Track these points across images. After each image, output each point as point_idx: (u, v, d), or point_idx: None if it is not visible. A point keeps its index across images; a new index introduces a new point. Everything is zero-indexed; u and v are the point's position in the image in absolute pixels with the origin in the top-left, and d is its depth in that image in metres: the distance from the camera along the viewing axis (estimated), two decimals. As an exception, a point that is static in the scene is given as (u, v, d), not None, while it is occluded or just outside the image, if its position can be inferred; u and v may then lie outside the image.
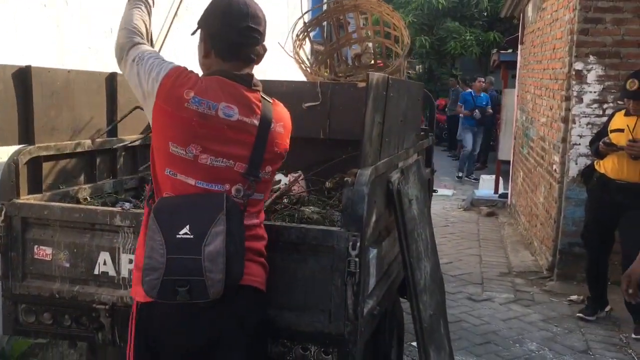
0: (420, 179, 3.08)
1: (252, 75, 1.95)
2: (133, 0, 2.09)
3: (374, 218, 2.34)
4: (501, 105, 9.75)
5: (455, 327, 4.30)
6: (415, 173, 2.99)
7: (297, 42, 3.98)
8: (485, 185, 9.47)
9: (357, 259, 2.10)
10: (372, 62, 4.33)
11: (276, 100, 2.03)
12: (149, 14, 2.12)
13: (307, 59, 4.22)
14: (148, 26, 2.09)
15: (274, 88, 3.61)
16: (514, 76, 9.52)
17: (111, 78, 3.01)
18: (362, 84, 3.51)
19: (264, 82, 3.61)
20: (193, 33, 2.01)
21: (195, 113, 1.83)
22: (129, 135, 3.11)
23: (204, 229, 1.76)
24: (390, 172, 2.64)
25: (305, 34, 4.12)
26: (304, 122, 3.56)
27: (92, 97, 2.89)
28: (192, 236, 1.76)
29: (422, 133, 4.01)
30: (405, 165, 2.95)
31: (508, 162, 9.06)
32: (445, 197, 9.48)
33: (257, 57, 1.98)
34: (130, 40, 1.98)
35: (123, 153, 3.14)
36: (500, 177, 9.38)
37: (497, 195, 9.15)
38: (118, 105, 3.01)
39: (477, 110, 11.37)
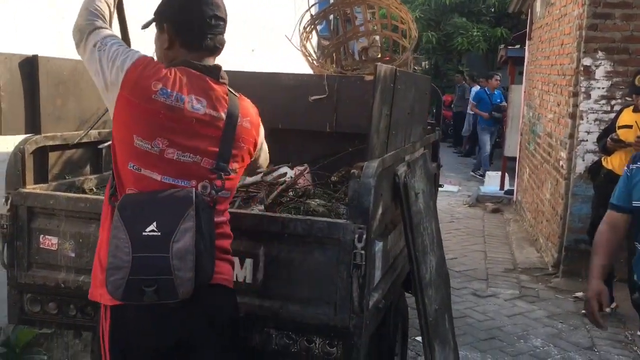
0: (426, 173, 3.06)
1: (220, 68, 1.91)
2: None
3: (380, 211, 2.33)
4: (508, 102, 9.69)
5: (460, 323, 4.29)
6: (421, 167, 2.97)
7: (304, 35, 3.97)
8: (491, 182, 9.44)
9: (363, 252, 2.09)
10: (379, 55, 4.30)
11: (242, 95, 1.98)
12: None
13: (314, 51, 4.20)
14: (112, 9, 1.99)
15: (281, 81, 3.60)
16: (520, 72, 9.46)
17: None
18: (369, 77, 3.49)
19: (270, 74, 3.64)
20: (146, 26, 1.95)
21: (163, 105, 1.76)
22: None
23: (172, 226, 1.68)
24: (397, 165, 2.63)
25: (312, 26, 4.10)
26: (310, 115, 3.55)
27: (99, 88, 2.88)
28: (159, 233, 1.67)
29: (428, 127, 3.99)
30: (412, 158, 2.93)
31: (514, 159, 9.03)
32: (451, 193, 9.45)
33: (221, 47, 1.93)
34: (91, 23, 1.87)
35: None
36: (506, 174, 9.35)
37: (503, 191, 9.12)
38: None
39: (494, 112, 11.18)
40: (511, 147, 9.21)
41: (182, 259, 1.67)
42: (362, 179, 2.16)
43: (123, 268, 1.66)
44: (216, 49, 1.91)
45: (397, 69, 2.52)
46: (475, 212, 8.36)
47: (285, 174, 3.23)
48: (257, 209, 2.61)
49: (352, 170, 2.22)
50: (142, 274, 1.66)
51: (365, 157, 2.27)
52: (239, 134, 1.90)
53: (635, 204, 2.30)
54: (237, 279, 2.17)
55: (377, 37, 4.34)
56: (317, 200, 2.78)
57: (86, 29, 1.87)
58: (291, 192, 2.94)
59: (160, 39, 1.91)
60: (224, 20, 1.91)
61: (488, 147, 11.21)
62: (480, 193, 9.12)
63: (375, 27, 4.33)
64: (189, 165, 1.81)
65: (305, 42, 3.94)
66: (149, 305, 1.72)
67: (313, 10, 4.33)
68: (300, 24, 3.99)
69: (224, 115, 1.86)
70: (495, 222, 7.84)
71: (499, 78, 11.77)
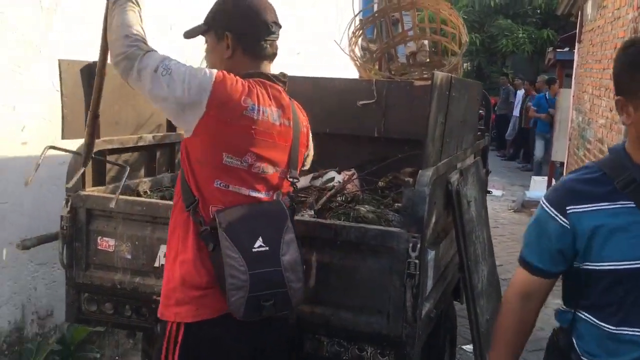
0: (478, 181, 3.02)
1: (286, 76, 1.92)
2: (119, 1, 1.83)
3: (433, 219, 2.31)
4: (556, 106, 9.46)
5: (507, 332, 4.20)
6: (474, 174, 2.93)
7: (353, 40, 3.97)
8: (537, 187, 9.22)
9: (417, 261, 2.07)
10: (428, 60, 4.26)
11: (294, 100, 1.98)
12: (140, 15, 1.88)
13: (361, 56, 4.19)
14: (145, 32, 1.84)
15: (329, 85, 3.61)
16: (568, 75, 9.22)
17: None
18: (419, 83, 3.46)
19: (319, 79, 3.65)
20: (192, 35, 1.90)
21: (253, 121, 1.75)
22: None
23: (276, 239, 1.74)
24: (450, 173, 2.60)
25: (361, 31, 4.09)
26: (359, 120, 3.55)
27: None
28: (267, 248, 1.71)
29: (479, 133, 3.94)
30: (464, 166, 2.89)
31: (562, 164, 8.80)
32: (495, 197, 9.27)
33: (277, 53, 1.91)
34: (138, 47, 1.75)
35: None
36: (553, 179, 9.12)
37: (549, 197, 8.89)
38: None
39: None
40: (559, 151, 8.99)
41: (293, 271, 1.75)
42: (416, 187, 2.14)
43: (243, 287, 1.68)
44: (274, 56, 1.91)
45: (452, 76, 2.49)
46: (520, 218, 8.18)
47: (333, 178, 3.22)
48: (307, 215, 2.62)
49: (407, 179, 2.21)
50: (260, 290, 1.70)
51: (413, 163, 2.25)
52: (302, 140, 1.94)
53: (601, 265, 1.48)
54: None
55: (426, 42, 4.30)
56: (366, 206, 2.77)
57: (135, 55, 1.74)
58: (339, 198, 2.93)
59: (218, 48, 1.86)
60: (280, 26, 1.91)
61: (539, 154, 10.98)
62: (526, 198, 8.92)
63: (426, 30, 4.28)
64: (270, 177, 1.83)
65: (353, 47, 3.94)
66: (232, 320, 1.73)
67: (360, 16, 4.32)
68: (349, 29, 3.99)
69: (291, 124, 1.88)
70: (542, 229, 7.65)
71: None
